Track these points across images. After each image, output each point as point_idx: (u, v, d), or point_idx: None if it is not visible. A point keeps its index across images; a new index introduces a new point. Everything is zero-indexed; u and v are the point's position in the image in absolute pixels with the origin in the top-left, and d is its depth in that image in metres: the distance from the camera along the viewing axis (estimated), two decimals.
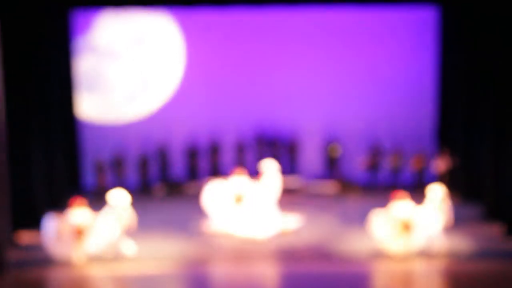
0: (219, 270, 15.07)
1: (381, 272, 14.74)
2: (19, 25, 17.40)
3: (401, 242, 15.12)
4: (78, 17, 21.61)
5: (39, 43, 18.43)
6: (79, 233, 15.12)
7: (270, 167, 17.76)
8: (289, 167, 22.05)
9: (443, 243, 15.39)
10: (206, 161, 21.95)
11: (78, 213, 15.30)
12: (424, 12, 21.60)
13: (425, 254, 15.26)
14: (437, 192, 15.58)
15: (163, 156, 21.65)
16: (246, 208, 17.29)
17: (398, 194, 15.50)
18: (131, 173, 21.53)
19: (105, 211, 15.56)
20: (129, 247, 15.47)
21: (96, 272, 14.83)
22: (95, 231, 15.28)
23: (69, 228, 15.15)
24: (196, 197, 20.75)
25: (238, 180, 17.44)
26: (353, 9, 20.77)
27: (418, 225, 15.14)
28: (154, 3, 20.02)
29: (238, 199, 17.30)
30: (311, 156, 22.53)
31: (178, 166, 22.05)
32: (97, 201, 19.63)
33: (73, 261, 15.13)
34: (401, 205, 15.24)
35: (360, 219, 17.95)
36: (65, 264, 15.13)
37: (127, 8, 20.42)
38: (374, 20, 21.91)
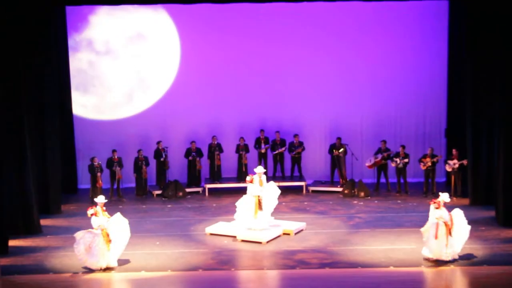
0: (221, 274, 14.52)
1: (387, 276, 14.12)
2: (13, 22, 16.92)
3: (445, 246, 14.69)
4: (72, 14, 21.05)
5: (34, 40, 17.92)
6: (107, 239, 14.70)
7: (259, 173, 17.24)
8: (294, 168, 21.55)
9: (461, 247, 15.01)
10: (205, 161, 21.32)
11: (100, 220, 14.82)
12: (434, 5, 21.17)
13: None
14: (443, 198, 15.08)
15: (160, 156, 20.98)
16: (263, 212, 16.85)
17: (436, 201, 14.90)
18: (128, 174, 20.93)
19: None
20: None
21: (92, 277, 14.29)
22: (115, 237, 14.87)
23: (99, 236, 14.68)
24: (194, 197, 20.53)
25: (256, 186, 16.92)
26: (358, 3, 20.22)
27: (457, 229, 14.81)
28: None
29: (259, 204, 16.80)
30: (317, 156, 22.05)
31: (176, 166, 21.45)
32: (92, 202, 19.52)
33: (104, 267, 14.66)
34: (441, 211, 14.76)
35: (368, 220, 17.72)
36: (63, 272, 14.61)
37: (122, 4, 19.88)
38: (383, 14, 21.41)
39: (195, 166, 21.15)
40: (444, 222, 14.63)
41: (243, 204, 16.90)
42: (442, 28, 21.21)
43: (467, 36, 18.92)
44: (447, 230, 14.60)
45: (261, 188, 16.81)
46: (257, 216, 16.73)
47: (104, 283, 14.11)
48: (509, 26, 16.97)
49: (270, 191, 17.00)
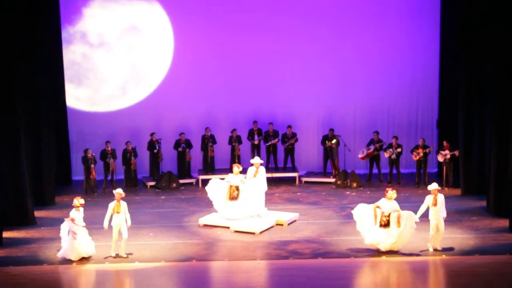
0: (214, 264, 14.62)
1: (377, 267, 14.24)
2: (6, 14, 16.88)
3: (388, 235, 14.67)
4: (66, 6, 20.98)
5: (27, 33, 17.82)
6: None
7: (256, 163, 17.31)
8: (287, 159, 21.56)
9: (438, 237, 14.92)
10: (198, 152, 21.30)
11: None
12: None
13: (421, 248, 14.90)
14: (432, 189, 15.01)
15: (154, 147, 20.98)
16: (241, 202, 16.92)
17: (388, 191, 14.84)
18: (121, 166, 20.84)
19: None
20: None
21: (86, 268, 14.31)
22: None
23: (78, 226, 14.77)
24: (187, 189, 20.53)
25: (235, 176, 17.05)
26: None
27: (405, 219, 14.66)
28: None
29: (234, 195, 16.91)
30: (310, 148, 22.06)
31: (169, 157, 21.42)
32: (86, 194, 19.69)
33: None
34: (387, 201, 14.76)
35: None
36: (57, 262, 14.62)
37: None
38: (376, 6, 21.47)
39: (184, 158, 21.22)
40: (388, 213, 14.60)
41: (217, 188, 17.08)
42: (434, 20, 21.22)
43: (459, 29, 18.98)
44: (388, 220, 14.57)
45: (251, 180, 16.94)
46: (228, 204, 16.91)
47: (98, 274, 14.12)
48: (499, 20, 16.96)
49: (258, 182, 17.05)
